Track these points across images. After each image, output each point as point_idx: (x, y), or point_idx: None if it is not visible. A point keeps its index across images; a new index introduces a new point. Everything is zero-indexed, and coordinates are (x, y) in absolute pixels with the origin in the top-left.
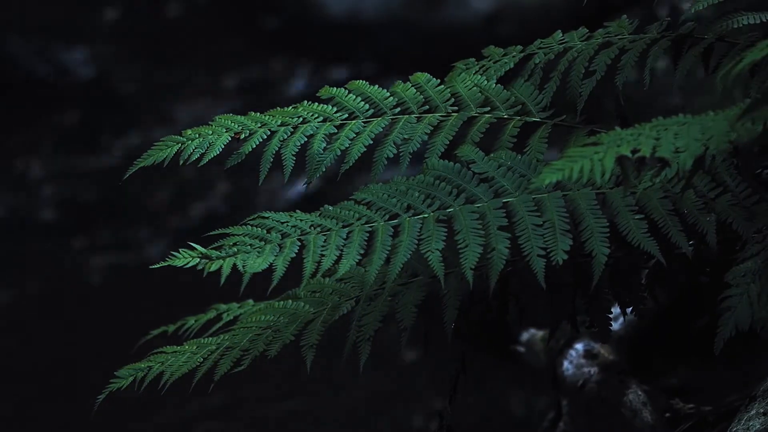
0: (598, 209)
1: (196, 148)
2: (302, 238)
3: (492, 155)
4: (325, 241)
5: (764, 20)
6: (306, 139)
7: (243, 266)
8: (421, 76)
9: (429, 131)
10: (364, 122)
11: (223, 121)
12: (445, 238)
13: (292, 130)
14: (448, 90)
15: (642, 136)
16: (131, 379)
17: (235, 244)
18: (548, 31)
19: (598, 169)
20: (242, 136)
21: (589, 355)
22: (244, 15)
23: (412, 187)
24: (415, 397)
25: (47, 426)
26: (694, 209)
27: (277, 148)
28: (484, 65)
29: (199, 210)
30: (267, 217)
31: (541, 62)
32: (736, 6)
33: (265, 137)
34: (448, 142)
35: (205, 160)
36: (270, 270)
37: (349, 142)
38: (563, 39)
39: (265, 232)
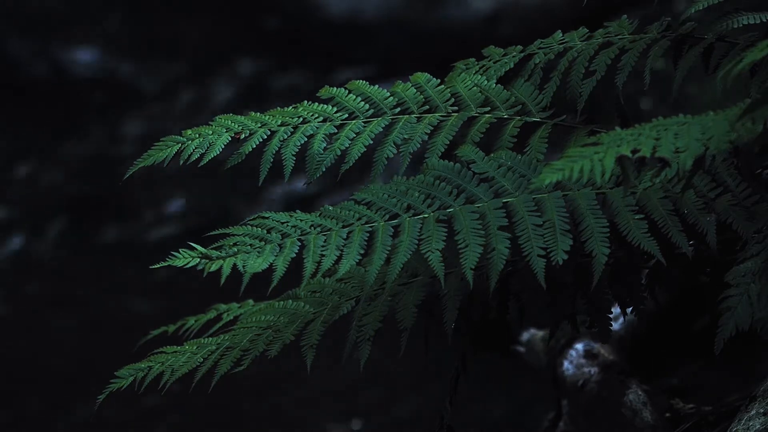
0: (598, 209)
1: (196, 148)
2: (302, 238)
3: (492, 155)
4: (325, 241)
5: (764, 20)
6: (306, 139)
7: (243, 266)
8: (421, 76)
9: (429, 131)
10: (364, 122)
11: (223, 121)
12: (445, 238)
13: (293, 130)
14: (448, 90)
15: (642, 136)
16: (131, 379)
17: (235, 244)
18: (548, 31)
19: (598, 169)
20: (242, 136)
21: (589, 355)
22: (244, 15)
23: (412, 187)
24: (414, 396)
25: (47, 426)
26: (694, 209)
27: (277, 148)
28: (484, 65)
29: (199, 210)
30: (267, 217)
31: (541, 62)
32: (736, 6)
33: (265, 137)
34: (448, 142)
35: (206, 160)
36: (270, 270)
37: (349, 142)
38: (563, 39)
39: (265, 232)
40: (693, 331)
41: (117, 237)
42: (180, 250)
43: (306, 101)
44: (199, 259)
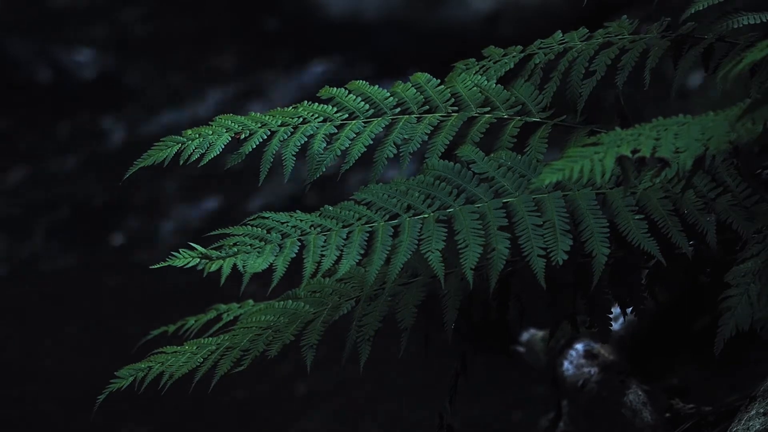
0: (598, 209)
1: (196, 148)
2: (302, 238)
3: (492, 155)
4: (325, 241)
5: (764, 20)
6: (306, 139)
7: (243, 266)
8: (421, 76)
9: (429, 131)
10: (364, 122)
11: (223, 121)
12: (445, 238)
13: (293, 130)
14: (448, 90)
15: (642, 136)
16: (131, 379)
17: (235, 244)
18: (548, 31)
19: (598, 169)
20: (242, 136)
21: (589, 355)
22: (244, 15)
23: (412, 187)
24: (415, 397)
25: (48, 426)
26: (694, 209)
27: (277, 148)
28: (484, 65)
29: (198, 210)
30: (267, 217)
31: (541, 62)
32: (736, 6)
33: (265, 137)
34: (448, 142)
35: (206, 160)
36: (270, 270)
37: (349, 142)
38: (563, 39)
39: (265, 232)
40: (693, 331)
41: (116, 237)
42: (180, 250)
43: (306, 101)
44: (199, 259)
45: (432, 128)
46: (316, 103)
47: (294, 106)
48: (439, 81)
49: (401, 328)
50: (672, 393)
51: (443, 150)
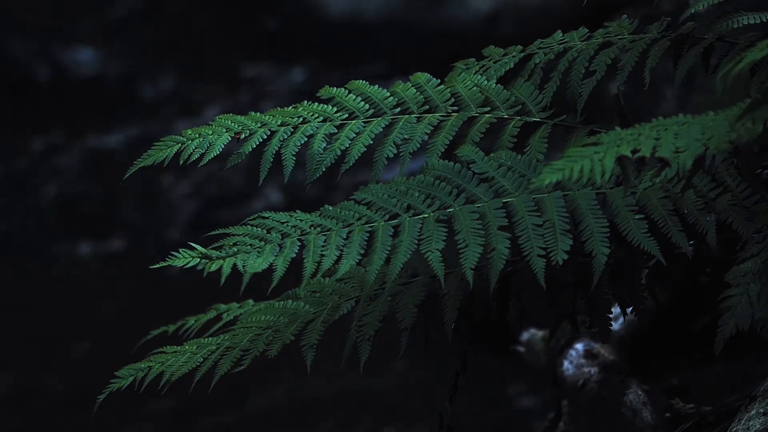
0: (598, 209)
1: (196, 148)
2: (302, 238)
3: (492, 155)
4: (325, 241)
5: (764, 20)
6: (306, 139)
7: (243, 266)
8: (421, 76)
9: (429, 131)
10: (364, 122)
11: (223, 121)
12: (445, 238)
13: (293, 130)
14: (448, 90)
15: (642, 136)
16: (131, 379)
17: (235, 244)
18: (548, 31)
19: (598, 169)
20: (242, 136)
21: (589, 355)
22: (244, 15)
23: (412, 187)
24: (414, 397)
25: (47, 426)
26: (694, 209)
27: (277, 148)
28: (484, 65)
29: (198, 210)
30: (267, 217)
31: (541, 62)
32: (736, 6)
33: (265, 137)
34: (448, 142)
35: (205, 160)
36: (270, 270)
37: (349, 142)
38: (563, 39)
39: (265, 232)
40: (693, 331)
41: (116, 237)
42: (180, 250)
43: (306, 101)
44: (199, 259)
45: (432, 128)
46: (316, 103)
47: (294, 106)
48: (439, 81)
49: (401, 327)
50: (672, 393)
51: (443, 150)
